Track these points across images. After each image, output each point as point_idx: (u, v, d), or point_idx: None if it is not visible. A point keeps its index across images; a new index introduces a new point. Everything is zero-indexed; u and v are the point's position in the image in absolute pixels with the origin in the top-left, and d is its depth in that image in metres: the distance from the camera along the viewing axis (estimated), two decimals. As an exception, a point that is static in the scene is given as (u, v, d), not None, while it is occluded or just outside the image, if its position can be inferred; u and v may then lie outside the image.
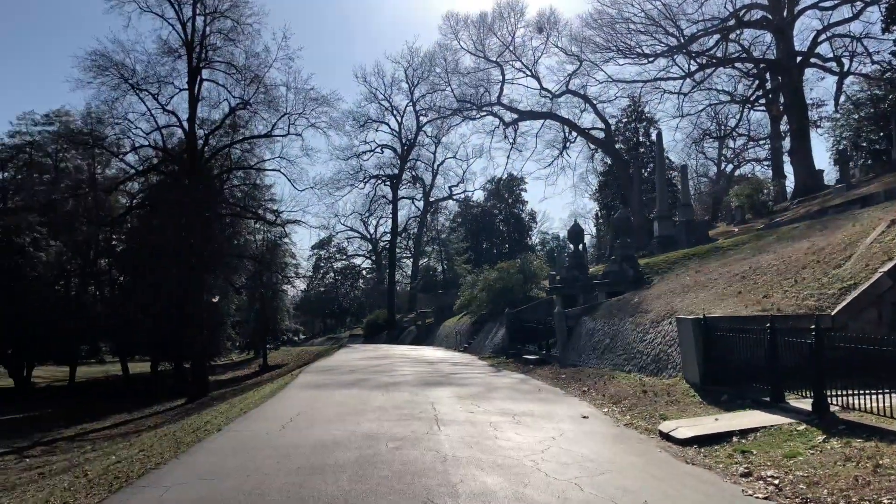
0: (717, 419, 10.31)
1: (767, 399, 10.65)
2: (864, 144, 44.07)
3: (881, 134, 41.09)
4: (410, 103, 66.22)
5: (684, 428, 9.90)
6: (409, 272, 79.34)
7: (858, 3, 41.27)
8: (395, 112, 67.82)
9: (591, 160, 58.60)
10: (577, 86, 51.89)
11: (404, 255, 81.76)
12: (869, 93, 42.15)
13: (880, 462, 7.13)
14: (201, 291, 36.92)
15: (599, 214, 62.32)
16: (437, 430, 10.54)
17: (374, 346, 46.70)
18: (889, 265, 13.21)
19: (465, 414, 12.18)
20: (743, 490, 7.19)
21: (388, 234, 72.22)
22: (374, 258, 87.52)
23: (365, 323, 67.44)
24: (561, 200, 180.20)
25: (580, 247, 30.82)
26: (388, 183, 68.53)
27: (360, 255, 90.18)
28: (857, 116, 43.83)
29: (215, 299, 44.43)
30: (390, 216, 69.14)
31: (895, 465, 7.00)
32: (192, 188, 35.69)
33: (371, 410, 12.71)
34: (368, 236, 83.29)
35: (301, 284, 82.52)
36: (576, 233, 30.40)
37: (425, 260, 76.04)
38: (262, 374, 43.44)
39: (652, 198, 44.07)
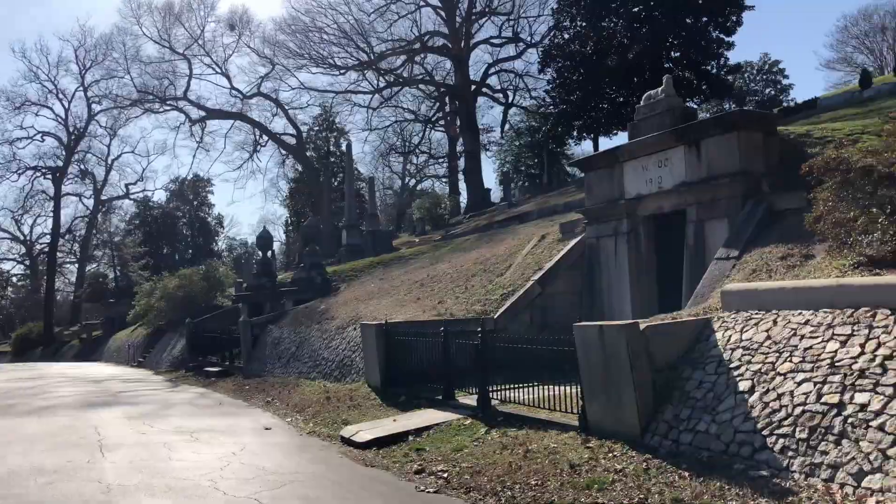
0: (395, 420, 10.78)
1: (440, 398, 11.46)
2: (523, 168, 50.79)
3: (536, 160, 47.76)
4: (81, 88, 58.86)
5: (364, 432, 10.15)
6: (74, 279, 70.15)
7: (521, 44, 47.56)
8: (61, 96, 59.69)
9: (282, 165, 58.31)
10: (270, 89, 51.33)
11: (68, 259, 72.08)
12: (528, 124, 48.65)
13: (529, 448, 8.06)
14: None
15: (290, 221, 62.06)
16: (100, 458, 9.33)
17: (26, 364, 40.27)
18: (539, 274, 15.21)
19: (136, 436, 11.01)
20: (416, 486, 7.56)
21: (48, 236, 63.03)
22: (28, 263, 75.58)
23: (14, 338, 57.94)
24: (251, 205, 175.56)
25: (269, 254, 30.28)
26: (49, 176, 59.95)
27: (9, 259, 77.14)
28: (518, 143, 50.32)
29: None
30: (51, 214, 60.53)
31: (541, 449, 7.97)
32: None
33: (19, 441, 10.81)
34: (22, 237, 71.70)
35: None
36: (265, 239, 29.82)
37: (94, 265, 67.87)
38: None
39: (342, 207, 45.22)
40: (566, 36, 38.68)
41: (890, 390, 5.81)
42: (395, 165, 66.73)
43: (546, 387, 9.48)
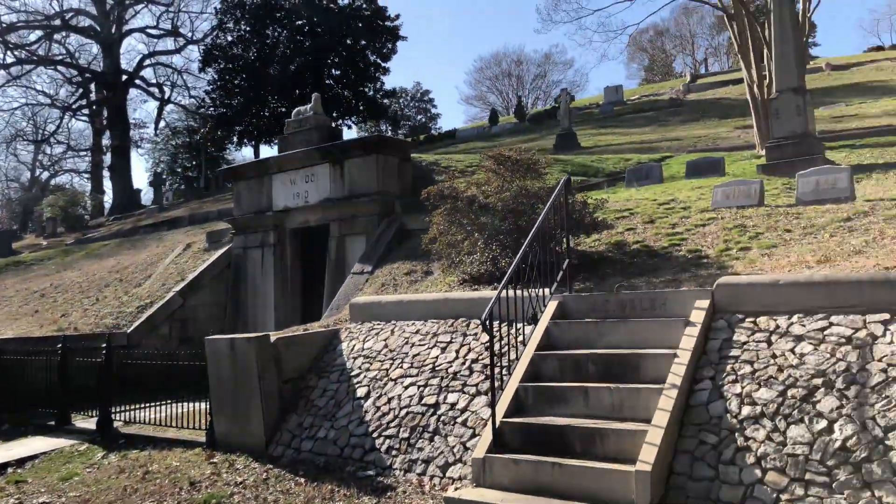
0: (-7, 453, 9.31)
1: (54, 423, 10.23)
2: (180, 170, 47.92)
3: (194, 162, 45.45)
4: None
5: (-51, 470, 8.58)
6: None
7: (181, 39, 44.95)
8: None
9: None
10: None
11: None
12: (186, 123, 46.10)
13: (150, 469, 7.64)
14: None
15: None
16: None
17: None
18: (181, 285, 14.52)
19: None
20: (8, 528, 6.64)
21: None
22: None
23: None
24: None
25: None
26: None
27: None
28: (174, 143, 47.35)
29: None
30: None
31: (162, 469, 7.61)
32: None
33: None
34: None
35: None
36: None
37: None
38: None
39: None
40: (230, 38, 37.73)
41: (473, 389, 6.82)
42: (22, 155, 57.84)
43: (180, 404, 9.11)
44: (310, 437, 7.42)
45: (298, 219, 14.12)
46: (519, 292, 6.66)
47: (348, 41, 37.60)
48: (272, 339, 8.17)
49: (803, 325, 5.74)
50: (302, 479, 6.70)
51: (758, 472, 4.88)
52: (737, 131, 21.70)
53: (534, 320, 6.93)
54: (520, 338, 6.79)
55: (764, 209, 9.38)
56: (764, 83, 17.10)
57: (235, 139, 39.89)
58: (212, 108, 37.98)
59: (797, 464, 4.80)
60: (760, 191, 9.72)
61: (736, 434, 5.16)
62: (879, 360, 5.16)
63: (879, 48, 52.76)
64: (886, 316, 5.48)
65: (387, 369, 7.69)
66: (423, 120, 60.97)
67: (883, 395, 4.92)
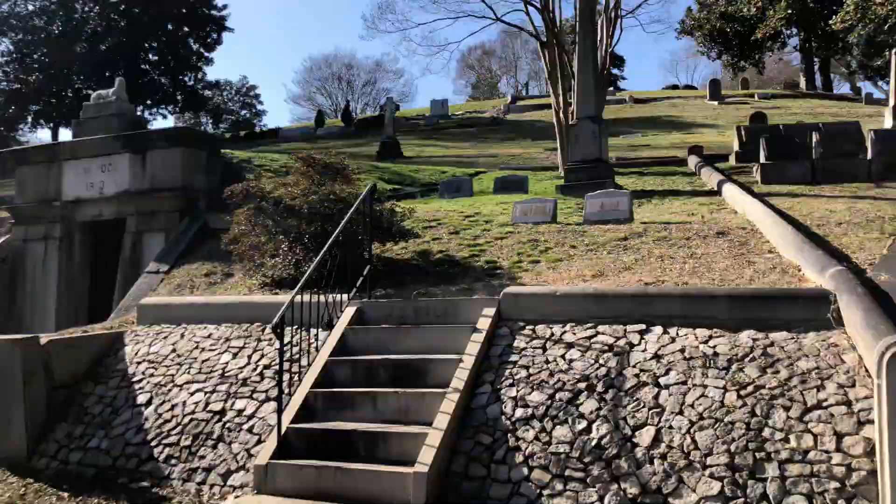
0: None
1: None
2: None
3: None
4: None
5: None
6: None
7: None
8: None
9: None
10: None
11: None
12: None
13: None
14: None
15: None
16: None
17: None
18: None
19: None
20: None
21: None
22: None
23: None
24: None
25: None
26: None
27: None
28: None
29: None
30: None
31: None
32: None
33: None
34: None
35: None
36: None
37: None
38: None
39: None
40: (31, 7, 34.15)
41: (263, 396, 6.65)
42: None
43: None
44: (80, 448, 6.83)
45: (91, 211, 13.01)
46: (317, 298, 6.61)
47: (169, 26, 35.49)
48: (42, 341, 7.44)
49: (574, 334, 6.23)
50: (66, 494, 6.14)
51: (525, 471, 5.21)
52: (546, 152, 23.21)
53: (329, 326, 6.91)
54: (315, 344, 6.73)
55: (556, 226, 10.09)
56: (569, 109, 18.44)
57: (31, 119, 36.12)
58: (4, 83, 34.11)
59: (559, 461, 5.18)
60: (554, 209, 10.45)
61: (508, 435, 5.48)
62: (634, 367, 5.73)
63: (675, 87, 59.03)
64: (643, 326, 6.11)
65: (173, 375, 7.28)
66: (248, 115, 58.84)
67: (634, 398, 5.46)
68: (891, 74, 17.81)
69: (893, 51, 21.16)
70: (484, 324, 6.52)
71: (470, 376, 5.96)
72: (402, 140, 27.57)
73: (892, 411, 4.49)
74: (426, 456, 5.26)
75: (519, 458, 5.29)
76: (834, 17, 27.22)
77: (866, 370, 5.12)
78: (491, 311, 6.68)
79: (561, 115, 18.77)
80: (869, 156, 12.90)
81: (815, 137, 13.59)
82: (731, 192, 11.64)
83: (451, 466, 5.40)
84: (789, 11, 38.74)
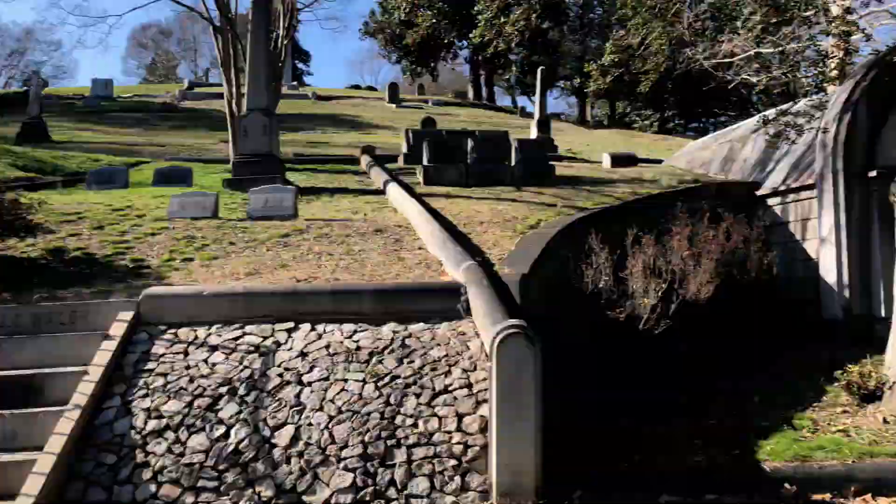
0: None
1: None
2: None
3: None
4: None
5: None
6: None
7: None
8: None
9: None
10: None
11: None
12: None
13: None
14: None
15: None
16: None
17: None
18: None
19: None
20: None
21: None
22: None
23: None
24: None
25: None
26: None
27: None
28: None
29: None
30: None
31: None
32: None
33: None
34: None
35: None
36: None
37: None
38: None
39: None
40: None
41: None
42: None
43: None
44: None
45: None
46: None
47: None
48: None
49: (220, 336, 5.94)
50: None
51: (153, 487, 4.79)
52: (221, 144, 22.16)
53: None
54: None
55: (216, 222, 9.62)
56: (242, 100, 17.83)
57: None
58: None
59: (192, 473, 4.87)
60: (215, 204, 9.96)
61: (137, 451, 5.00)
62: (279, 366, 5.64)
63: (357, 87, 60.98)
64: (291, 324, 6.06)
65: None
66: None
67: (276, 398, 5.37)
68: (536, 91, 20.51)
69: (539, 70, 24.47)
70: (118, 329, 5.89)
71: (96, 389, 5.32)
72: (54, 122, 24.15)
73: (500, 390, 5.06)
74: (33, 486, 4.56)
75: (147, 474, 4.85)
76: (473, 31, 29.07)
77: (486, 354, 5.70)
78: (128, 315, 6.06)
79: (234, 105, 18.04)
80: (513, 162, 14.63)
81: (470, 144, 14.99)
82: (394, 191, 12.26)
83: (65, 494, 4.75)
84: (433, 21, 42.26)
